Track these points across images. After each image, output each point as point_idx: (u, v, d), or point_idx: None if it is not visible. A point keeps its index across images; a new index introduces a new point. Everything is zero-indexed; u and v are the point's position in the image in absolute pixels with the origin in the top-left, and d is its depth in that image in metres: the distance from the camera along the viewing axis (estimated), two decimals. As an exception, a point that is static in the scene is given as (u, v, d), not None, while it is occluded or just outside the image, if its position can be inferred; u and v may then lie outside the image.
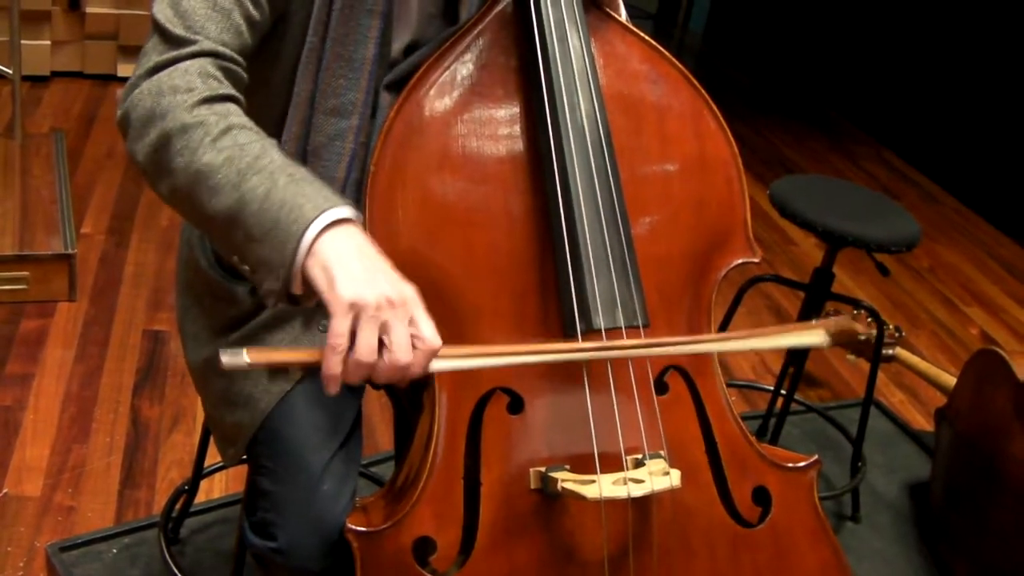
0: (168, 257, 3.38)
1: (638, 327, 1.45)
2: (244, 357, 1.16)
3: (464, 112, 1.45)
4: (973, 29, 4.95)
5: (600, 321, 1.42)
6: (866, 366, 2.91)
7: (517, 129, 1.46)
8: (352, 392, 1.60)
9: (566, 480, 1.41)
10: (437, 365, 1.26)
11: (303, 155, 1.51)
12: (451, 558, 1.43)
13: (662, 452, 1.47)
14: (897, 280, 4.01)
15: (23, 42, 3.94)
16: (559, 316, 1.44)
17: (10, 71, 3.86)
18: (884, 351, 2.97)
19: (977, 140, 4.85)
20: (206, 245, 1.65)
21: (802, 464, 1.59)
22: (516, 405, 1.46)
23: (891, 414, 3.15)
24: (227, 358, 1.16)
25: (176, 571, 2.16)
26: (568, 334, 1.43)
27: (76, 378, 2.81)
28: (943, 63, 5.08)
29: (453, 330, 1.43)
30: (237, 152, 1.25)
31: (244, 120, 1.30)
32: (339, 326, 1.17)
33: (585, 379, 1.44)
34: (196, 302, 1.68)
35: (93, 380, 2.81)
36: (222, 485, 2.49)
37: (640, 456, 1.46)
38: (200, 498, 2.35)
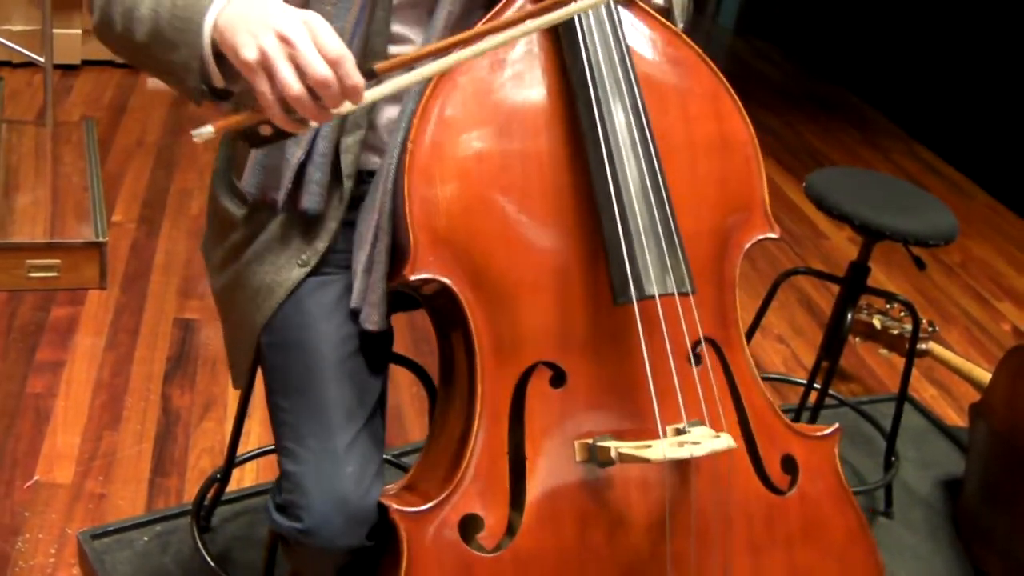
0: (198, 246, 3.37)
1: (687, 294, 1.48)
2: (209, 128, 1.23)
3: (501, 90, 1.47)
4: (1006, 22, 4.91)
5: (653, 288, 1.44)
6: (898, 361, 2.88)
7: (554, 105, 1.48)
8: (375, 369, 1.60)
9: (622, 446, 1.43)
10: (382, 88, 1.29)
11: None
12: (499, 534, 1.45)
13: (702, 421, 1.50)
14: (929, 275, 3.98)
15: (54, 31, 3.95)
16: (608, 286, 1.45)
17: (42, 59, 3.87)
18: (917, 346, 2.94)
19: (1009, 134, 4.80)
20: (223, 166, 1.70)
21: (826, 432, 1.64)
22: (559, 379, 1.48)
23: (924, 409, 3.12)
24: (196, 132, 1.23)
25: (208, 559, 2.15)
26: (619, 302, 1.44)
27: (107, 366, 2.81)
28: (975, 56, 5.04)
29: (497, 307, 1.46)
30: None
31: None
32: (258, 85, 1.25)
33: (643, 349, 1.45)
34: (213, 230, 1.74)
35: (124, 368, 2.82)
36: (253, 474, 2.49)
37: (681, 426, 1.48)
38: (232, 487, 2.34)
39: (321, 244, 1.59)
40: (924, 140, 5.30)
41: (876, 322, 2.97)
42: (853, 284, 2.57)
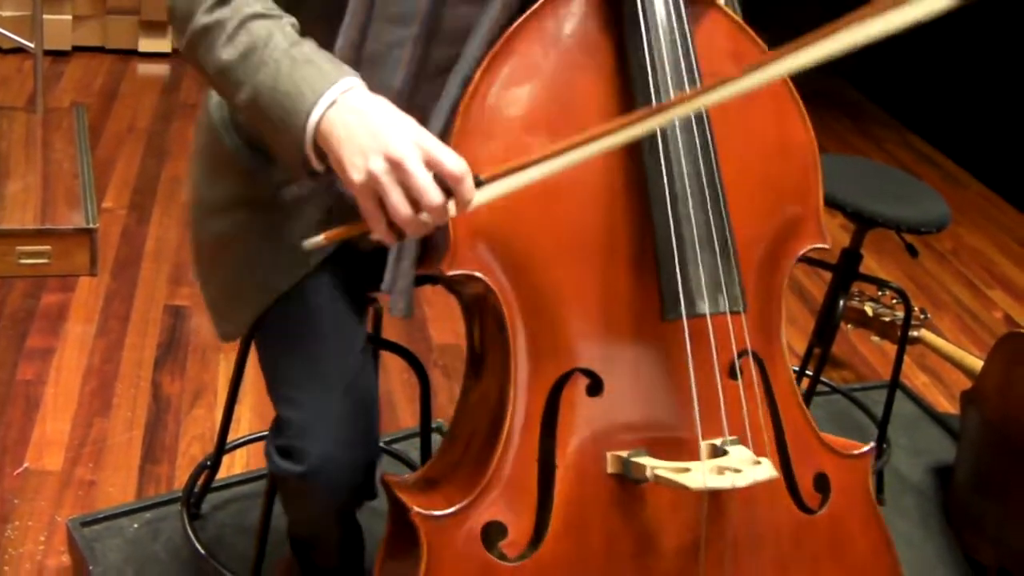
0: (189, 232, 3.36)
1: (740, 313, 1.43)
2: (320, 238, 1.27)
3: (551, 77, 1.40)
4: (1000, 12, 4.90)
5: (705, 307, 1.39)
6: (889, 348, 2.88)
7: (609, 100, 1.41)
8: (360, 313, 1.60)
9: (658, 467, 1.37)
10: (489, 191, 1.25)
11: (357, 61, 1.44)
12: (522, 544, 1.40)
13: (741, 438, 1.44)
14: (921, 262, 3.97)
15: (45, 17, 3.93)
16: (656, 297, 1.40)
17: (32, 45, 3.86)
18: (909, 333, 2.94)
19: (1002, 122, 4.80)
20: (230, 128, 1.61)
21: (863, 450, 1.59)
22: (595, 387, 1.43)
23: (915, 396, 3.12)
24: (308, 243, 1.28)
25: (198, 546, 2.15)
26: (668, 318, 1.39)
27: (97, 353, 2.80)
28: (969, 47, 5.03)
29: (536, 307, 1.40)
30: (249, 44, 1.30)
31: (258, 8, 1.33)
32: (365, 205, 1.23)
33: (689, 365, 1.40)
34: (212, 165, 1.65)
35: (114, 355, 2.81)
36: (244, 461, 2.48)
37: (718, 442, 1.42)
38: (222, 474, 2.33)
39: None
40: (918, 130, 5.29)
41: (868, 309, 2.97)
42: (845, 271, 2.56)
